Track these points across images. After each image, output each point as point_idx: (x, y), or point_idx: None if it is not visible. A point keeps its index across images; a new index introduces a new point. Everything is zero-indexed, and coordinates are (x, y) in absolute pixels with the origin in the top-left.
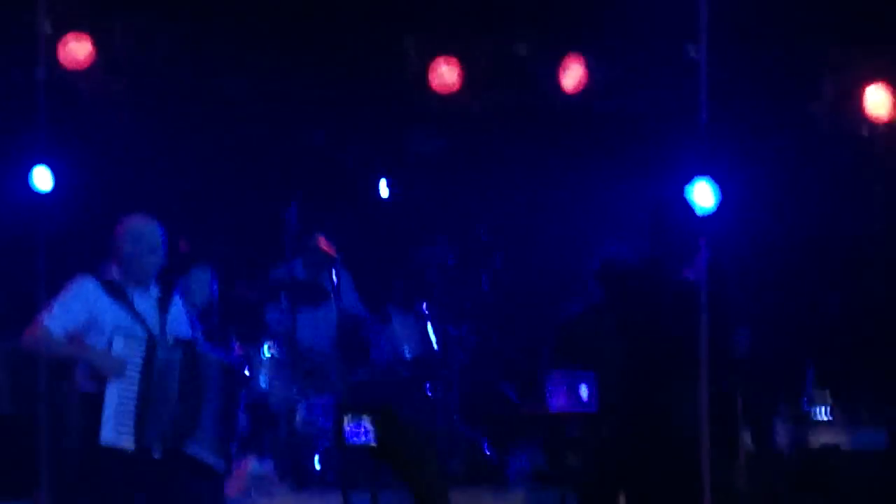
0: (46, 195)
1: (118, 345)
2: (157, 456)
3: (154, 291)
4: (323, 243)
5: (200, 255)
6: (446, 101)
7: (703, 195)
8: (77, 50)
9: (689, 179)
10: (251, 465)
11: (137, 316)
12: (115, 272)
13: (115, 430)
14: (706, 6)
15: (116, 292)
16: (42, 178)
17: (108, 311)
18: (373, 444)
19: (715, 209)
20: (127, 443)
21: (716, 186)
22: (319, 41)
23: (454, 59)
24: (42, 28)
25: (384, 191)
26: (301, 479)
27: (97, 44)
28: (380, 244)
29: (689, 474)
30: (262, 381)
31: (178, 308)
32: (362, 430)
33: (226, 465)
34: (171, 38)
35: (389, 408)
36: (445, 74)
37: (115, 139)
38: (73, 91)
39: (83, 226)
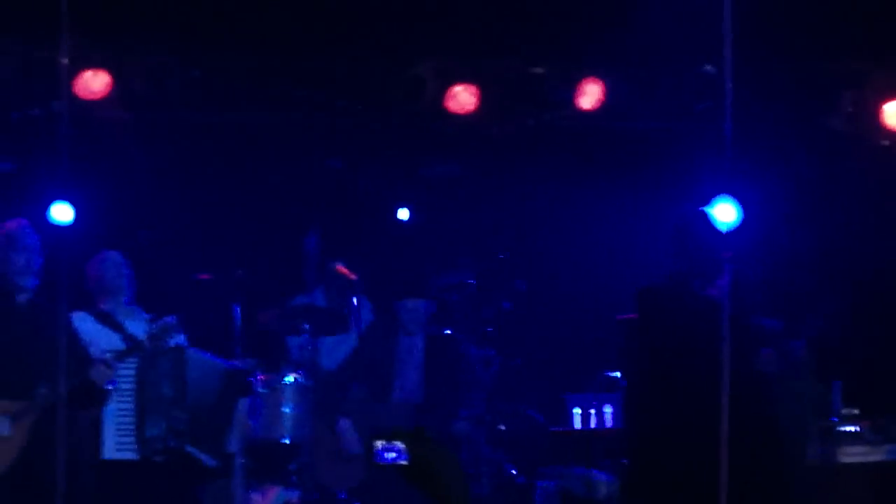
0: (67, 227)
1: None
2: (159, 460)
3: (140, 312)
4: (342, 269)
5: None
6: (463, 124)
7: (725, 213)
8: (94, 82)
9: (710, 197)
10: (277, 493)
11: (127, 336)
12: (102, 302)
13: (116, 444)
14: (729, 25)
15: (105, 319)
16: (62, 212)
17: (102, 338)
18: (404, 463)
19: (737, 226)
20: (129, 454)
21: (737, 204)
22: (334, 68)
23: (470, 83)
24: (62, 61)
25: (403, 216)
26: None
27: (115, 77)
28: (400, 269)
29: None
30: (286, 409)
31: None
32: (395, 449)
33: (220, 462)
34: (187, 71)
35: (422, 429)
36: (462, 98)
37: (133, 171)
38: (90, 124)
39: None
